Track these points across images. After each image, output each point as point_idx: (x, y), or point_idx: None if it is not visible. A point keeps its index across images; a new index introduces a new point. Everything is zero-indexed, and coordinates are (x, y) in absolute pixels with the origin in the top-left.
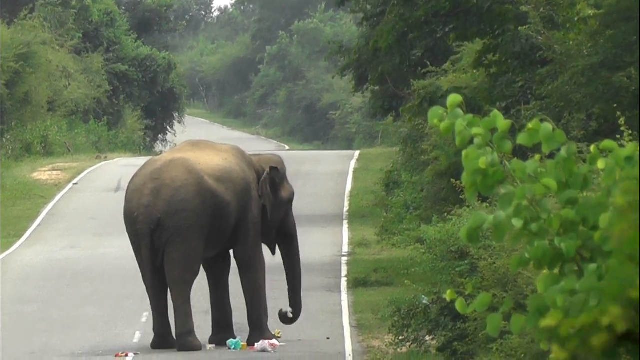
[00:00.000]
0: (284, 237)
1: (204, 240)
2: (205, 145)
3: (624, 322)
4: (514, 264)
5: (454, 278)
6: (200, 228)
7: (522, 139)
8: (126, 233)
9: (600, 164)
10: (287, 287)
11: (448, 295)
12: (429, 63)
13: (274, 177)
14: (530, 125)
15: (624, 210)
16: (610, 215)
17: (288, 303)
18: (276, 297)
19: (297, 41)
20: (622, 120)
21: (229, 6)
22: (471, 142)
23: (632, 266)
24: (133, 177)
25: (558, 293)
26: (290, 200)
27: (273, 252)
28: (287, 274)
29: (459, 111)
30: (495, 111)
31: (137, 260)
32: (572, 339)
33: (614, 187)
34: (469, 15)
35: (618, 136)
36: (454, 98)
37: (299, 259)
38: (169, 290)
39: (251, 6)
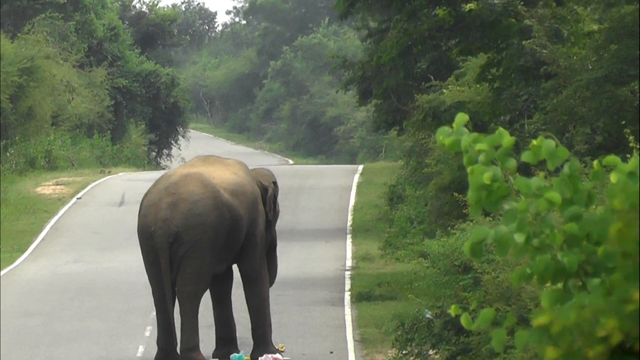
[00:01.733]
0: (268, 249)
1: (217, 255)
2: (214, 160)
3: (620, 334)
4: (515, 278)
5: (457, 292)
6: (215, 242)
7: (526, 156)
8: (130, 247)
9: (608, 186)
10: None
11: (453, 310)
12: (432, 77)
13: (274, 193)
14: (534, 142)
15: (621, 211)
16: (606, 212)
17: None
18: (280, 311)
19: (301, 56)
20: (631, 139)
21: (228, 21)
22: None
23: (634, 281)
24: (147, 193)
25: (566, 311)
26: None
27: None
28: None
29: (464, 129)
30: (501, 129)
31: (149, 274)
32: (564, 336)
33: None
34: (472, 30)
35: (628, 155)
36: (460, 117)
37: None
38: (177, 304)
39: (255, 22)
